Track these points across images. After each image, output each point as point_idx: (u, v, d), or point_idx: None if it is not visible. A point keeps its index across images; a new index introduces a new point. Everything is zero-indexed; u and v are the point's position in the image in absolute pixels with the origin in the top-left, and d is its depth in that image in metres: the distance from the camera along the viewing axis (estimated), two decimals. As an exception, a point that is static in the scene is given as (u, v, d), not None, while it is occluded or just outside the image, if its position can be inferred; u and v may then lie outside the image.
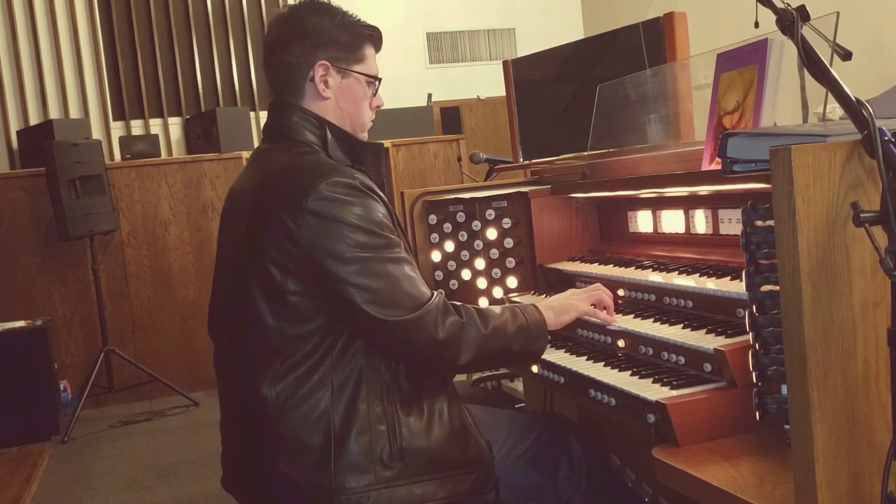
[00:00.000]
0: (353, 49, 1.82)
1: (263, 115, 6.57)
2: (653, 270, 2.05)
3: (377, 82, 1.87)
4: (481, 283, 2.51)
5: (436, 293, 1.70)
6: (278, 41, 1.81)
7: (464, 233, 2.51)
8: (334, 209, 1.62)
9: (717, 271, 1.85)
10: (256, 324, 1.68)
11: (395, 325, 1.62)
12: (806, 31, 1.23)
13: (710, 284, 1.79)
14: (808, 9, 1.25)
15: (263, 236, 1.66)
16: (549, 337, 1.86)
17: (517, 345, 1.78)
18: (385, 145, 5.39)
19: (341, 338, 1.67)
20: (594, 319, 1.94)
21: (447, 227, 2.54)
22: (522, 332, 1.78)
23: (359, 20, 1.84)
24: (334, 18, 1.81)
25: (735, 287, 1.70)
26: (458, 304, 1.74)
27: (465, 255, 2.52)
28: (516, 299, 2.38)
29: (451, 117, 6.74)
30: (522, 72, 3.39)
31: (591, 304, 1.93)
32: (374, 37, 1.87)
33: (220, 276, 1.87)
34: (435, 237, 2.57)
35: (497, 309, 1.80)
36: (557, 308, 1.90)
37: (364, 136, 1.89)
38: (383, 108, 1.98)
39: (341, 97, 1.82)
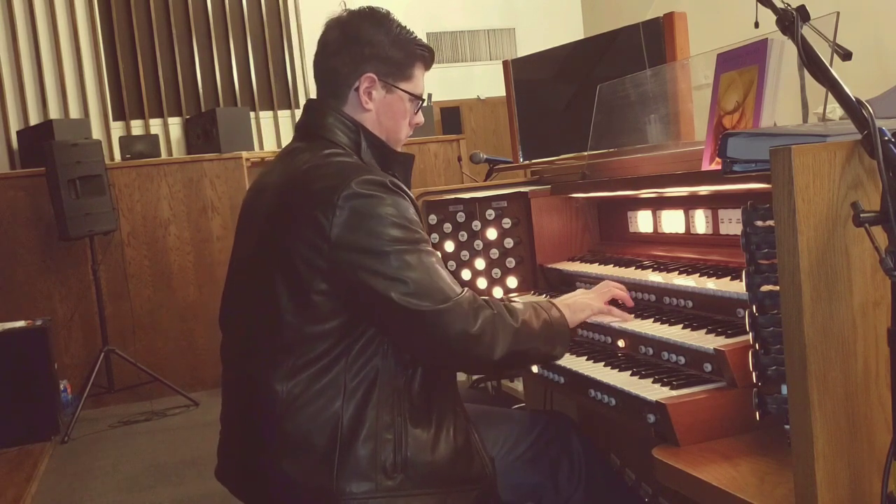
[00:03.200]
0: (404, 67, 1.82)
1: (263, 116, 6.61)
2: (653, 270, 2.05)
3: (421, 102, 1.88)
4: (481, 283, 2.51)
5: (466, 289, 1.68)
6: (332, 44, 1.81)
7: (464, 233, 2.51)
8: (367, 205, 1.61)
9: (717, 271, 1.85)
10: (274, 319, 1.66)
11: (427, 316, 1.59)
12: (806, 31, 1.23)
13: (710, 284, 1.79)
14: (808, 9, 1.26)
15: (291, 233, 1.64)
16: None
17: (543, 342, 1.75)
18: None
19: (358, 341, 1.65)
20: (607, 319, 1.92)
21: (447, 227, 2.54)
22: (547, 328, 1.76)
23: (414, 37, 1.84)
24: (390, 33, 1.80)
25: (735, 287, 1.70)
26: (488, 297, 1.71)
27: (465, 255, 2.52)
28: (516, 299, 2.38)
29: (451, 117, 6.74)
30: (522, 72, 3.39)
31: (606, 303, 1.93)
32: (426, 57, 1.87)
33: (238, 270, 1.85)
34: (435, 237, 2.57)
35: (520, 305, 1.77)
36: (573, 306, 1.88)
37: (398, 147, 1.88)
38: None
39: (382, 112, 1.82)
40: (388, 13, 1.84)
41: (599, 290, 1.96)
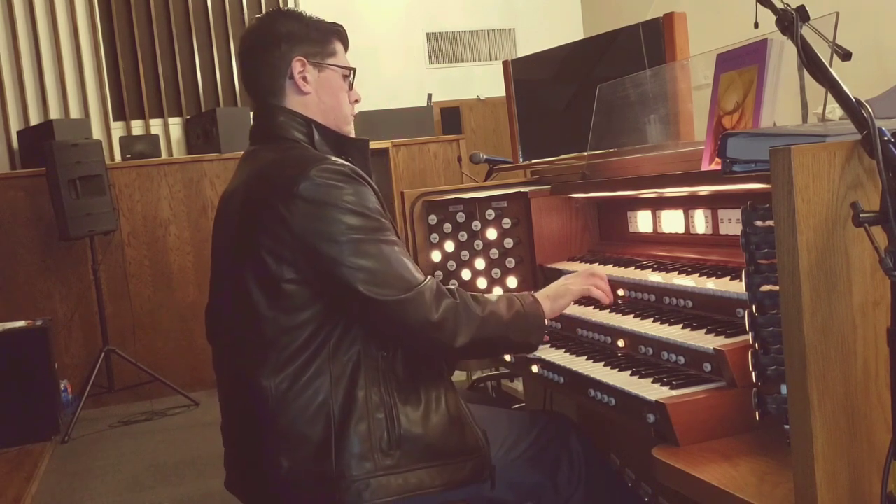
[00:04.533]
0: (325, 44, 1.88)
1: (263, 115, 6.61)
2: (652, 270, 2.05)
3: (352, 74, 1.93)
4: (481, 283, 2.51)
5: (429, 277, 1.73)
6: (254, 48, 1.87)
7: (464, 233, 2.51)
8: (326, 194, 1.65)
9: (716, 271, 1.85)
10: (253, 316, 1.69)
11: (390, 305, 1.65)
12: (806, 31, 1.23)
13: (710, 284, 1.79)
14: (807, 9, 1.26)
15: (257, 227, 1.68)
16: (547, 325, 1.91)
17: (514, 332, 1.81)
18: (385, 146, 5.38)
19: (338, 327, 1.69)
20: (594, 295, 1.98)
21: (447, 227, 2.54)
22: (520, 318, 1.81)
23: (323, 19, 1.92)
24: (302, 20, 1.88)
25: (735, 287, 1.70)
26: (453, 287, 1.77)
27: (465, 255, 2.52)
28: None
29: (451, 117, 6.73)
30: (522, 72, 3.39)
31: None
32: (340, 32, 1.93)
33: (216, 276, 1.89)
34: (435, 237, 2.57)
35: (493, 296, 1.83)
36: (552, 295, 1.94)
37: (349, 129, 1.93)
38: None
39: (321, 90, 1.86)
40: (292, 7, 1.91)
41: (580, 273, 2.02)
